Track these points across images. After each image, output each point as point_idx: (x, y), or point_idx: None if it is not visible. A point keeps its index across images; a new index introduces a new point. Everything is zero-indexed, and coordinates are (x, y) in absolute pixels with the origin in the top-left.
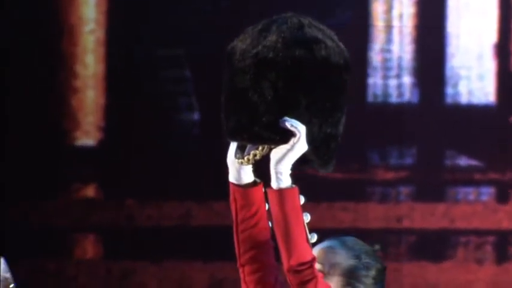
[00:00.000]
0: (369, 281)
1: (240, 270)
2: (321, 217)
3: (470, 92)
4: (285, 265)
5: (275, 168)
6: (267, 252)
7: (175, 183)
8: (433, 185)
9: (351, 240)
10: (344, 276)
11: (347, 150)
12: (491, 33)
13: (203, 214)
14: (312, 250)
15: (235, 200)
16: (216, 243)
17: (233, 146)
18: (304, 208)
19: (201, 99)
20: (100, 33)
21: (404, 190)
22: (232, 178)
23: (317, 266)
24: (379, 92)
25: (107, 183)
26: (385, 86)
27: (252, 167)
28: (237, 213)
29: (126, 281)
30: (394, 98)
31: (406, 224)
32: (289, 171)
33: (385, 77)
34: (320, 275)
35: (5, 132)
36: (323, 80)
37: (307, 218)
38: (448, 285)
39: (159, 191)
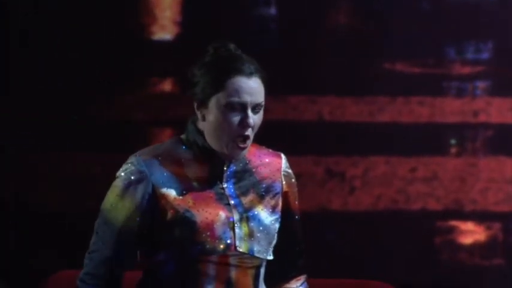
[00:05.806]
0: None
1: None
2: (398, 112)
3: None
4: None
5: None
6: None
7: None
8: (509, 80)
9: None
10: None
11: (423, 44)
12: None
13: (279, 108)
14: None
15: None
16: (292, 137)
17: None
18: (381, 105)
19: None
20: None
21: (481, 84)
22: None
23: None
24: None
25: (184, 77)
26: None
27: None
28: None
29: None
30: None
31: (482, 118)
32: None
33: None
34: None
35: (82, 27)
36: None
37: None
38: None
39: None
